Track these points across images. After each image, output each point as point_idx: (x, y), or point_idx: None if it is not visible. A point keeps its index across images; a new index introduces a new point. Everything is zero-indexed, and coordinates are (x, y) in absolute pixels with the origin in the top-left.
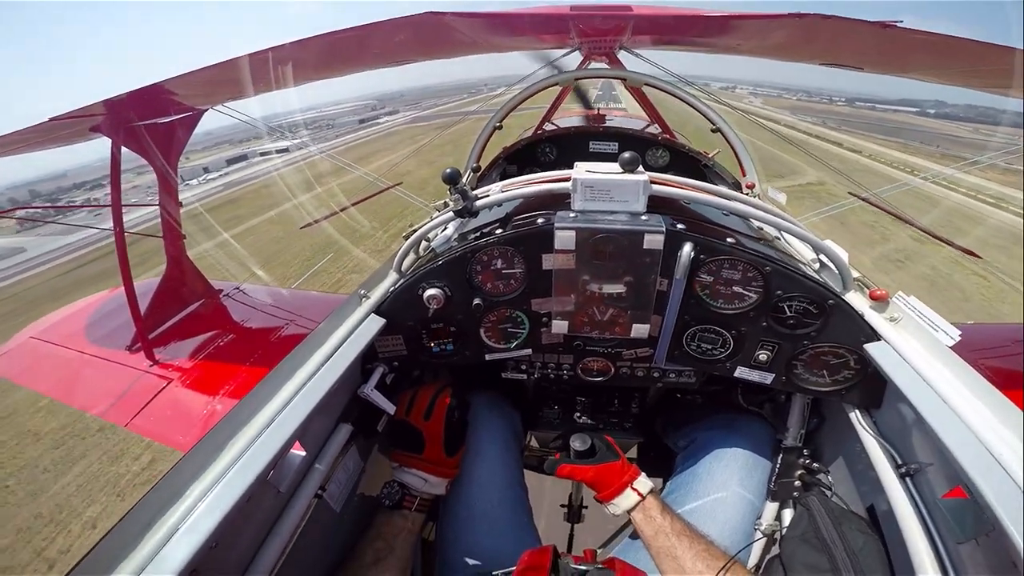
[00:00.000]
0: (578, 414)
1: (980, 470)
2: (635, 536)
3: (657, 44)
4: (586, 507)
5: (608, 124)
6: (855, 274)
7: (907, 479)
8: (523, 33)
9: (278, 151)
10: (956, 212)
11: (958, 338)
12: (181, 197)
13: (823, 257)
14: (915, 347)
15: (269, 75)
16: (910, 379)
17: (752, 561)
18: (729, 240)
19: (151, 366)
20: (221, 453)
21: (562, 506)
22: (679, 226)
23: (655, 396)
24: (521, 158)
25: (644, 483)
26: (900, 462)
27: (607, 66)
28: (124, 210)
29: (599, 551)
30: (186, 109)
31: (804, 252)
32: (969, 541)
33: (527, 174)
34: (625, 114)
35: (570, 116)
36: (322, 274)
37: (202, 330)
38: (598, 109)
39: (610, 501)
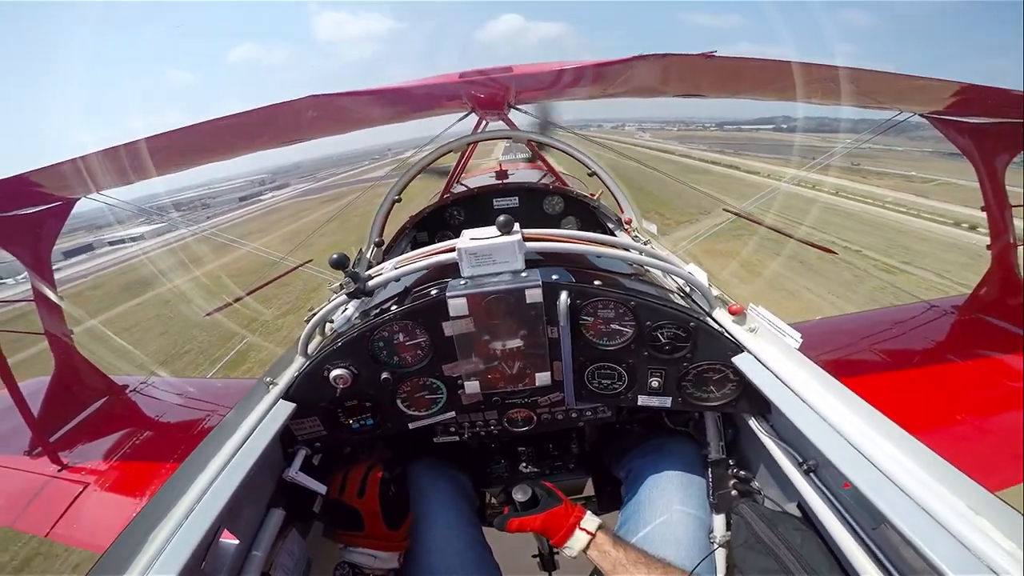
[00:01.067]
0: (524, 464)
1: (850, 464)
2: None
3: (541, 99)
4: (557, 553)
5: (510, 180)
6: (716, 292)
7: (811, 475)
8: (417, 105)
9: (131, 238)
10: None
11: (800, 340)
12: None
13: (688, 282)
14: (773, 354)
15: (148, 163)
16: (774, 385)
17: (716, 573)
18: (596, 282)
19: (60, 471)
20: (142, 548)
21: (533, 556)
22: (554, 276)
23: (593, 432)
24: (431, 224)
25: (591, 521)
26: (801, 460)
27: (503, 125)
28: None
29: None
30: (56, 199)
31: (675, 280)
32: (880, 525)
33: (439, 238)
34: (528, 166)
35: (479, 174)
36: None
37: (112, 429)
38: (500, 164)
39: (563, 544)
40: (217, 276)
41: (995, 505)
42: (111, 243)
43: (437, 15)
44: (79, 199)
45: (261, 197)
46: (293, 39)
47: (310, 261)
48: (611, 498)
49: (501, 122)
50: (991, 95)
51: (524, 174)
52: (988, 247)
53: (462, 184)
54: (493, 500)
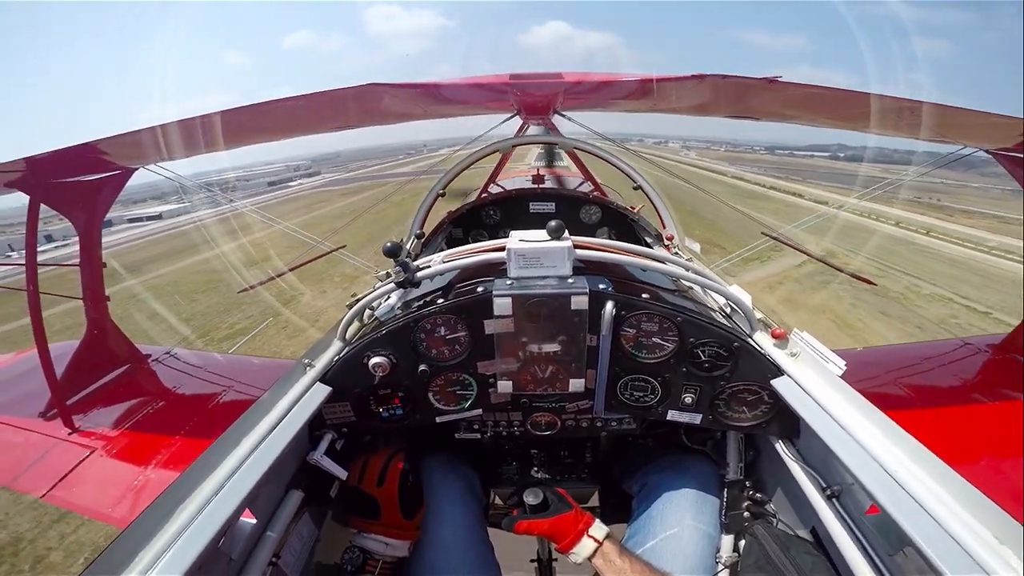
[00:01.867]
0: (535, 468)
1: (882, 489)
2: None
3: (588, 108)
4: (555, 559)
5: (546, 185)
6: (759, 315)
7: (834, 500)
8: (466, 102)
9: (148, 217)
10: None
11: (844, 367)
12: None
13: (731, 302)
14: (813, 379)
15: (205, 139)
16: (812, 409)
17: None
18: (644, 296)
19: (70, 434)
20: (169, 521)
21: (532, 561)
22: (601, 286)
23: (607, 444)
24: (466, 221)
25: (600, 529)
26: (825, 485)
27: (545, 129)
28: (45, 269)
29: None
30: (114, 168)
31: (716, 299)
32: (898, 552)
33: (473, 236)
34: (565, 173)
35: (514, 176)
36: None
37: (128, 397)
38: (538, 169)
39: (570, 550)
40: (242, 254)
41: (1021, 535)
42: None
43: (485, 16)
44: (136, 169)
45: (289, 184)
46: (345, 30)
47: (343, 247)
48: (616, 510)
49: (544, 127)
50: None
51: (560, 180)
52: None
53: (498, 185)
54: (499, 500)
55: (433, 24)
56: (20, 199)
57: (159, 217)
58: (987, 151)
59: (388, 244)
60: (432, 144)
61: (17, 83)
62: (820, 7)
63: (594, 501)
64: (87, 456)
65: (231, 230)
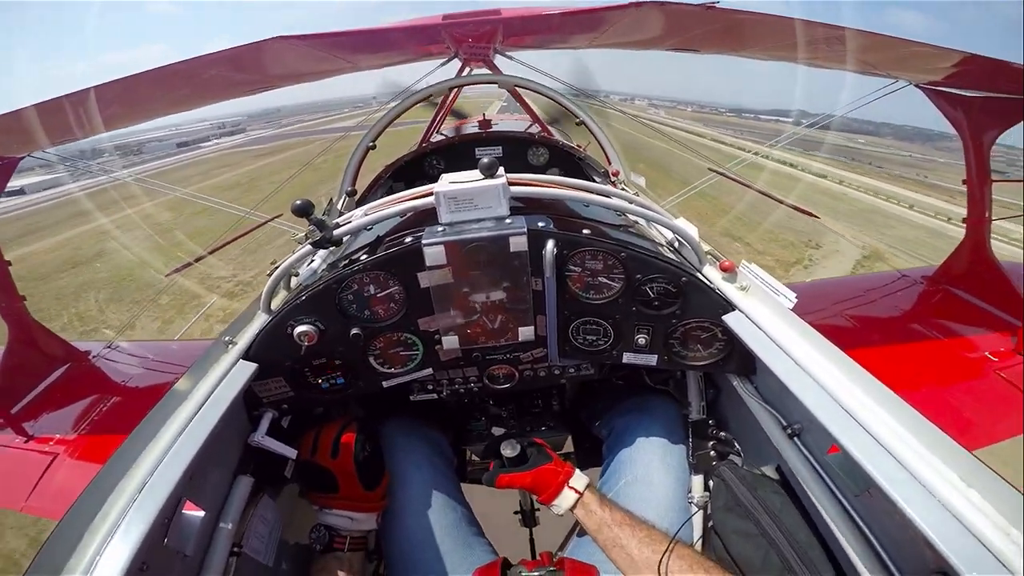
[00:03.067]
0: (504, 420)
1: (841, 428)
2: (585, 532)
3: (530, 45)
4: (538, 509)
5: (493, 129)
6: (706, 247)
7: (795, 439)
8: (398, 47)
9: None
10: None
11: (795, 300)
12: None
13: (678, 235)
14: (764, 313)
15: (96, 118)
16: (765, 345)
17: (692, 534)
18: (585, 231)
19: (26, 441)
20: (98, 517)
21: (515, 513)
22: (540, 224)
23: (573, 390)
24: (408, 174)
25: (580, 479)
26: (785, 424)
27: (487, 71)
28: None
29: (557, 552)
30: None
31: (663, 234)
32: (863, 493)
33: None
34: (513, 117)
35: (460, 125)
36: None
37: (78, 396)
38: (483, 114)
39: (551, 502)
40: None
41: (984, 474)
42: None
43: None
44: (22, 157)
45: (201, 145)
46: None
47: (280, 216)
48: (590, 455)
49: (487, 69)
50: (992, 67)
51: (509, 125)
52: (963, 220)
53: (442, 133)
54: (474, 457)
55: None
56: None
57: (21, 192)
58: (917, 85)
59: (297, 202)
60: (383, 96)
61: None
62: None
63: (568, 447)
64: (52, 462)
65: (115, 201)
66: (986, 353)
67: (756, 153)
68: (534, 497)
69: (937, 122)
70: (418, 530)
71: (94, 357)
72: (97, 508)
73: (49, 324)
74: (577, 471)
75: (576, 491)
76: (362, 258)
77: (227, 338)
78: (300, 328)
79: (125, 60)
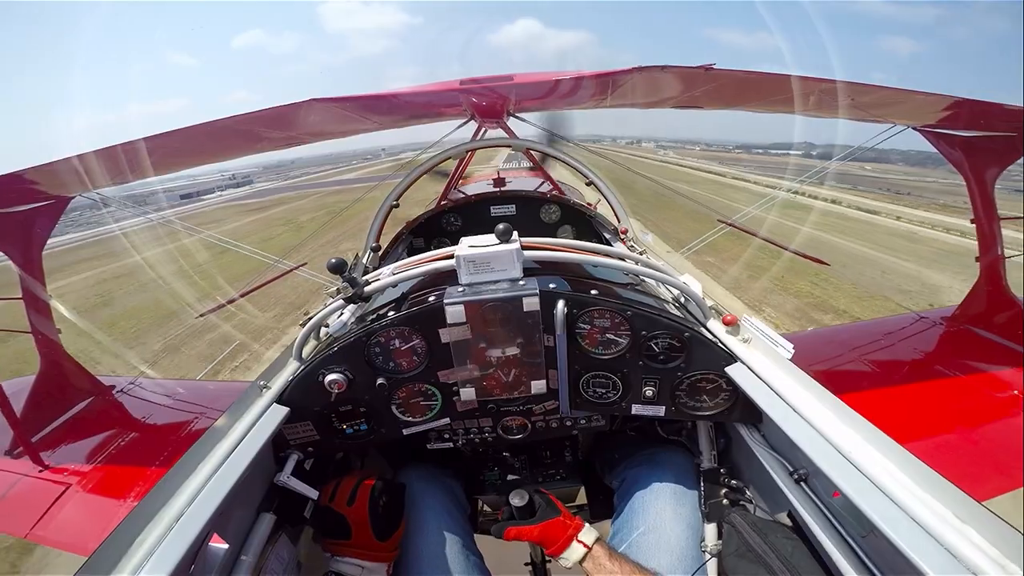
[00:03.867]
0: (517, 471)
1: (841, 474)
2: None
3: (542, 107)
4: (549, 561)
5: (507, 188)
6: (710, 303)
7: (802, 484)
8: (418, 111)
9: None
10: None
11: (792, 351)
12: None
13: (682, 292)
14: (765, 364)
15: (141, 165)
16: (766, 395)
17: None
18: (593, 292)
19: (41, 471)
20: (131, 550)
21: (526, 564)
22: (552, 285)
23: (587, 441)
24: (427, 230)
25: (589, 533)
26: (791, 469)
27: (502, 133)
28: None
29: None
30: (47, 197)
31: (670, 290)
32: (869, 534)
33: (435, 244)
34: (527, 174)
35: (477, 180)
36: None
37: (97, 430)
38: (498, 171)
39: (559, 555)
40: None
41: (981, 514)
42: None
43: (452, 13)
44: (73, 197)
45: (204, 197)
46: (300, 28)
47: (304, 264)
48: (603, 507)
49: (500, 130)
50: (984, 109)
51: (522, 182)
52: (977, 259)
53: (459, 191)
54: (486, 507)
55: (396, 21)
56: None
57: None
58: (915, 128)
59: (332, 260)
60: (392, 149)
61: None
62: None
63: (581, 499)
64: (64, 492)
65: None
66: (1015, 391)
67: (789, 191)
68: (543, 550)
69: None
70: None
71: (117, 392)
72: (134, 537)
73: (78, 356)
74: (587, 525)
75: (585, 545)
76: (390, 314)
77: (261, 383)
78: (331, 376)
79: (147, 113)
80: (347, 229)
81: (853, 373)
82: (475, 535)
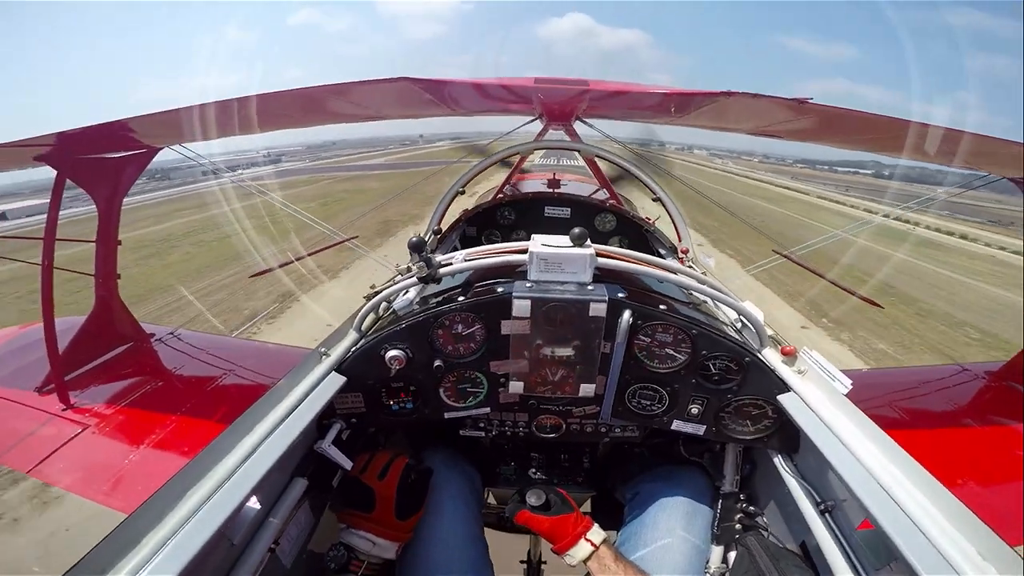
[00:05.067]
0: (533, 470)
1: (877, 504)
2: None
3: (612, 116)
4: (544, 562)
5: (562, 190)
6: (770, 332)
7: (827, 515)
8: (491, 101)
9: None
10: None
11: (850, 387)
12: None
13: (743, 317)
14: (818, 396)
15: (231, 123)
16: (815, 425)
17: None
18: (662, 307)
19: (64, 410)
20: (178, 506)
21: (521, 562)
22: (620, 295)
23: (604, 450)
24: (480, 220)
25: (597, 533)
26: (819, 500)
27: (564, 135)
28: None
29: None
30: (140, 147)
31: (728, 313)
32: (884, 567)
33: (486, 235)
34: (580, 179)
35: (530, 179)
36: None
37: (128, 376)
38: (554, 173)
39: (566, 552)
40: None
41: (1008, 556)
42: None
43: (502, 3)
44: (160, 148)
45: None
46: (354, 9)
47: (356, 237)
48: (608, 517)
49: (563, 132)
50: None
51: (576, 186)
52: None
53: (512, 186)
54: (493, 500)
55: (447, 8)
56: (47, 172)
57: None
58: (1009, 179)
59: (414, 238)
60: (429, 136)
61: (43, 69)
62: (863, 8)
63: (587, 507)
64: (79, 434)
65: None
66: None
67: (887, 215)
68: (543, 550)
69: None
70: (441, 559)
71: (155, 341)
72: (185, 491)
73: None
74: (596, 525)
75: (593, 544)
76: (458, 299)
77: (322, 350)
78: (393, 352)
79: (205, 87)
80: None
81: (898, 416)
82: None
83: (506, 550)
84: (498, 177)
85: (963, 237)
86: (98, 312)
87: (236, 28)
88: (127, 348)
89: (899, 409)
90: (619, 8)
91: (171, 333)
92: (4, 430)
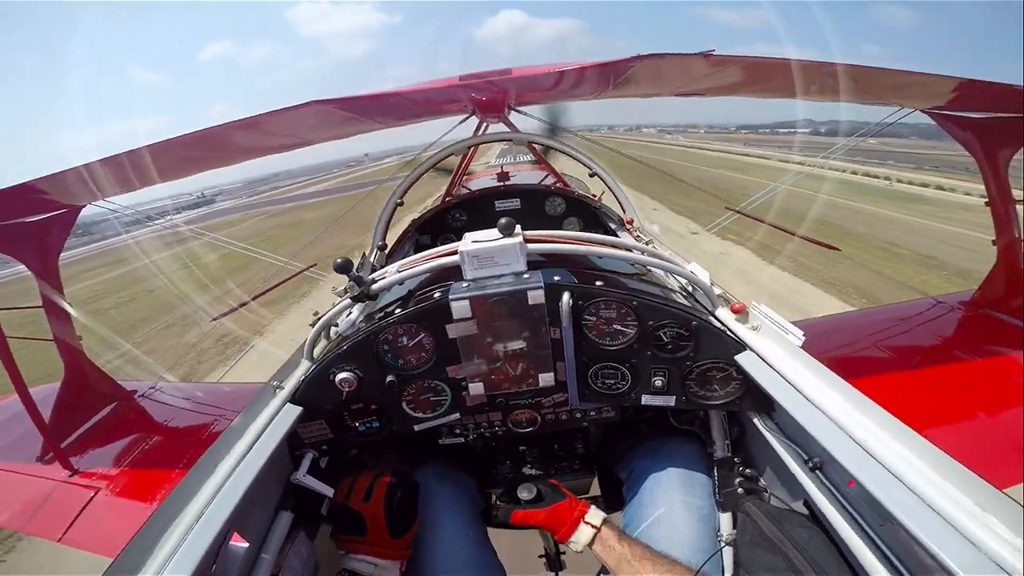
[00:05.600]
0: (529, 464)
1: (855, 463)
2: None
3: (542, 100)
4: (563, 553)
5: (511, 182)
6: (718, 291)
7: (817, 472)
8: (418, 109)
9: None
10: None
11: (803, 338)
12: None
13: (690, 281)
14: (775, 351)
15: (151, 171)
16: (778, 383)
17: (718, 572)
18: (598, 283)
19: (71, 476)
20: (155, 551)
21: (540, 557)
22: (556, 278)
23: (597, 433)
24: (433, 227)
25: (596, 515)
26: (806, 458)
27: (504, 127)
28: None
29: None
30: (60, 206)
31: (678, 279)
32: (887, 523)
33: (441, 241)
34: (531, 168)
35: (480, 176)
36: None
37: (122, 434)
38: (502, 166)
39: (568, 539)
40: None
41: (1002, 501)
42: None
43: (431, 10)
44: (84, 206)
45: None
46: (271, 35)
47: (314, 265)
48: (616, 497)
49: (502, 124)
50: (992, 89)
51: (526, 176)
52: (993, 242)
53: (464, 187)
54: (498, 501)
55: (374, 21)
56: None
57: None
58: (924, 111)
59: (339, 261)
60: (375, 154)
61: None
62: None
63: (595, 490)
64: (92, 498)
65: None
66: None
67: (811, 166)
68: (558, 543)
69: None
70: (447, 570)
71: (140, 397)
72: (157, 539)
73: (97, 361)
74: (593, 507)
75: (593, 526)
76: (396, 311)
77: (275, 383)
78: (341, 375)
79: (128, 130)
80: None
81: (866, 360)
82: (489, 529)
83: (523, 548)
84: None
85: (888, 179)
86: (70, 376)
87: (144, 70)
88: (114, 408)
89: (872, 351)
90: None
91: (152, 387)
92: (19, 500)
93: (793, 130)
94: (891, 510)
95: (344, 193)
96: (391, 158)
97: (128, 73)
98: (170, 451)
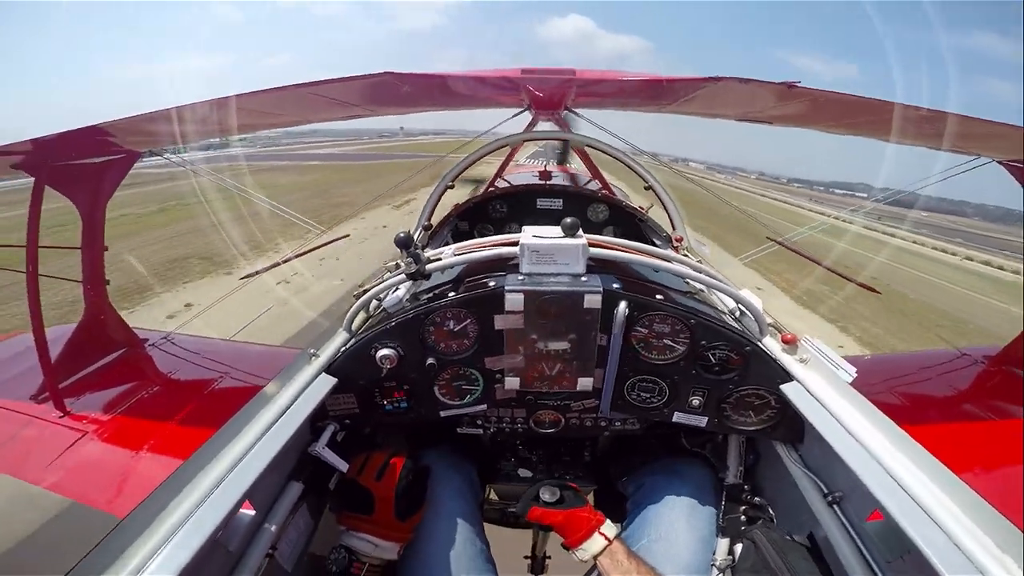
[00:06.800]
0: (534, 464)
1: (888, 495)
2: None
3: (599, 105)
4: (549, 557)
5: (554, 181)
6: (769, 320)
7: (835, 506)
8: (477, 95)
9: None
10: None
11: (855, 375)
12: None
13: (741, 305)
14: (822, 385)
15: (215, 125)
16: (820, 415)
17: None
18: (658, 296)
19: (61, 417)
20: (168, 512)
21: (525, 558)
22: (615, 285)
23: (605, 443)
24: (472, 214)
25: (611, 528)
26: (826, 491)
27: (555, 126)
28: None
29: None
30: (119, 151)
31: (726, 302)
32: (897, 560)
33: (478, 229)
34: (571, 170)
35: (520, 172)
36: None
37: (124, 381)
38: (544, 164)
39: (578, 546)
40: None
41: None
42: None
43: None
44: (144, 153)
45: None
46: None
47: (347, 236)
48: (610, 511)
49: (552, 124)
50: None
51: (567, 178)
52: None
53: (504, 180)
54: (493, 496)
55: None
56: (25, 181)
57: None
58: (999, 162)
59: (401, 234)
60: (410, 130)
61: (17, 69)
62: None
63: (589, 500)
64: (78, 440)
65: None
66: None
67: (837, 218)
68: (546, 547)
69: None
70: (441, 558)
71: (150, 346)
72: (174, 497)
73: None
74: (608, 520)
75: (606, 538)
76: (449, 294)
77: (311, 351)
78: (383, 351)
79: (188, 67)
80: None
81: (900, 403)
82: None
83: (509, 546)
84: (489, 171)
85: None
86: (89, 319)
87: (222, 5)
88: (121, 354)
89: (901, 395)
90: (621, 11)
91: (164, 337)
92: (2, 439)
93: (850, 192)
94: (913, 540)
95: (372, 161)
96: (427, 135)
97: (207, 4)
98: (165, 403)
